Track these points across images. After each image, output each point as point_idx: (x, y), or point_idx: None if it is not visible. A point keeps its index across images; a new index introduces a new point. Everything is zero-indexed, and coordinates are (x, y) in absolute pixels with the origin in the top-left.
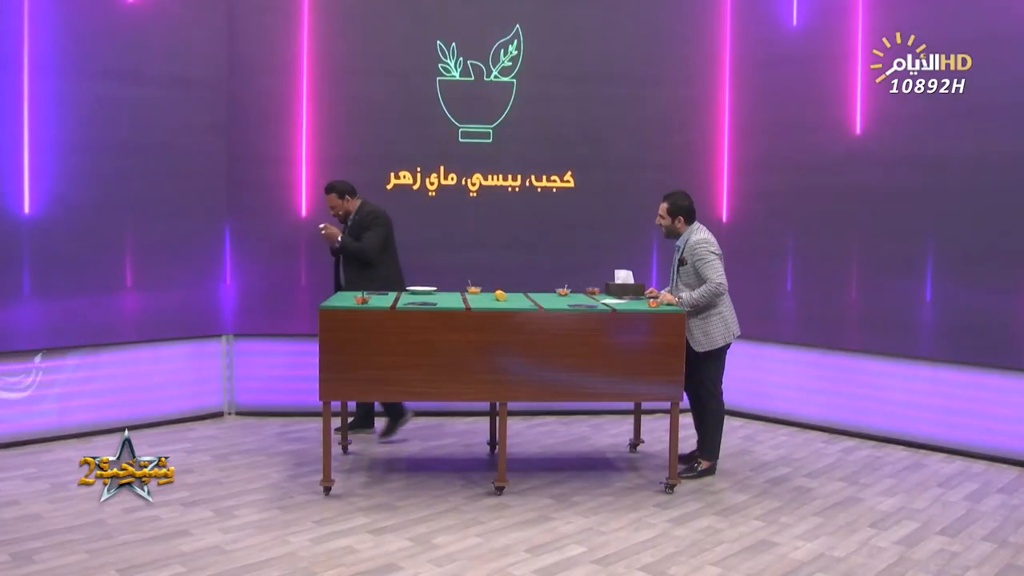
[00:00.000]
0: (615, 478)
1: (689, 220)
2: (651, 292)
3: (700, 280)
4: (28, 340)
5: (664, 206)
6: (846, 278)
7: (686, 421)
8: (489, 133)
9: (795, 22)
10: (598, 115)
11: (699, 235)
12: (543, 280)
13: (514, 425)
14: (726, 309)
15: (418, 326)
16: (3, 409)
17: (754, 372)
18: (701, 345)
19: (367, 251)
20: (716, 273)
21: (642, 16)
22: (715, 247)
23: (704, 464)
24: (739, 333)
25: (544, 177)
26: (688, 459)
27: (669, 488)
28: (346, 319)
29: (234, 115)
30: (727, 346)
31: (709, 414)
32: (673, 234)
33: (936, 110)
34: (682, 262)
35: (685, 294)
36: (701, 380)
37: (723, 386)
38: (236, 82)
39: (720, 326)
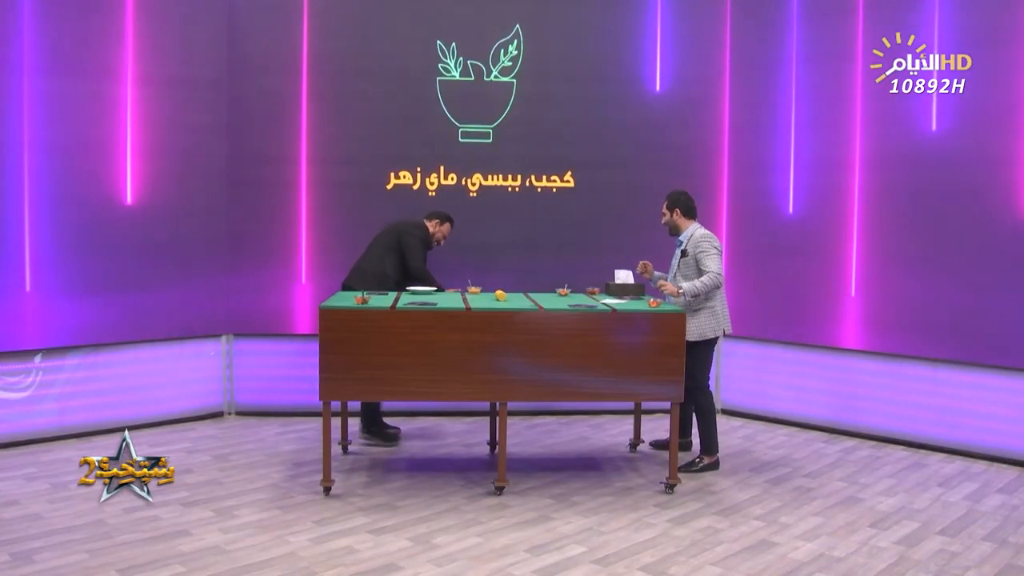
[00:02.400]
0: (615, 478)
1: (687, 214)
2: (649, 273)
3: (699, 273)
4: (28, 340)
5: (665, 203)
6: (846, 278)
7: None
8: (489, 133)
9: (795, 22)
10: (598, 115)
11: (703, 231)
12: (543, 280)
13: (514, 425)
14: (719, 304)
15: (418, 326)
16: (3, 409)
17: (754, 372)
18: (690, 334)
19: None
20: (716, 264)
21: (642, 16)
22: (717, 243)
23: (707, 460)
24: (730, 331)
25: (544, 177)
26: (663, 445)
27: (669, 488)
28: (346, 319)
29: (234, 115)
30: (715, 340)
31: (700, 410)
32: (675, 230)
33: (936, 110)
34: (684, 253)
35: (686, 284)
36: (690, 372)
37: (724, 386)
38: (236, 82)
39: (711, 319)
